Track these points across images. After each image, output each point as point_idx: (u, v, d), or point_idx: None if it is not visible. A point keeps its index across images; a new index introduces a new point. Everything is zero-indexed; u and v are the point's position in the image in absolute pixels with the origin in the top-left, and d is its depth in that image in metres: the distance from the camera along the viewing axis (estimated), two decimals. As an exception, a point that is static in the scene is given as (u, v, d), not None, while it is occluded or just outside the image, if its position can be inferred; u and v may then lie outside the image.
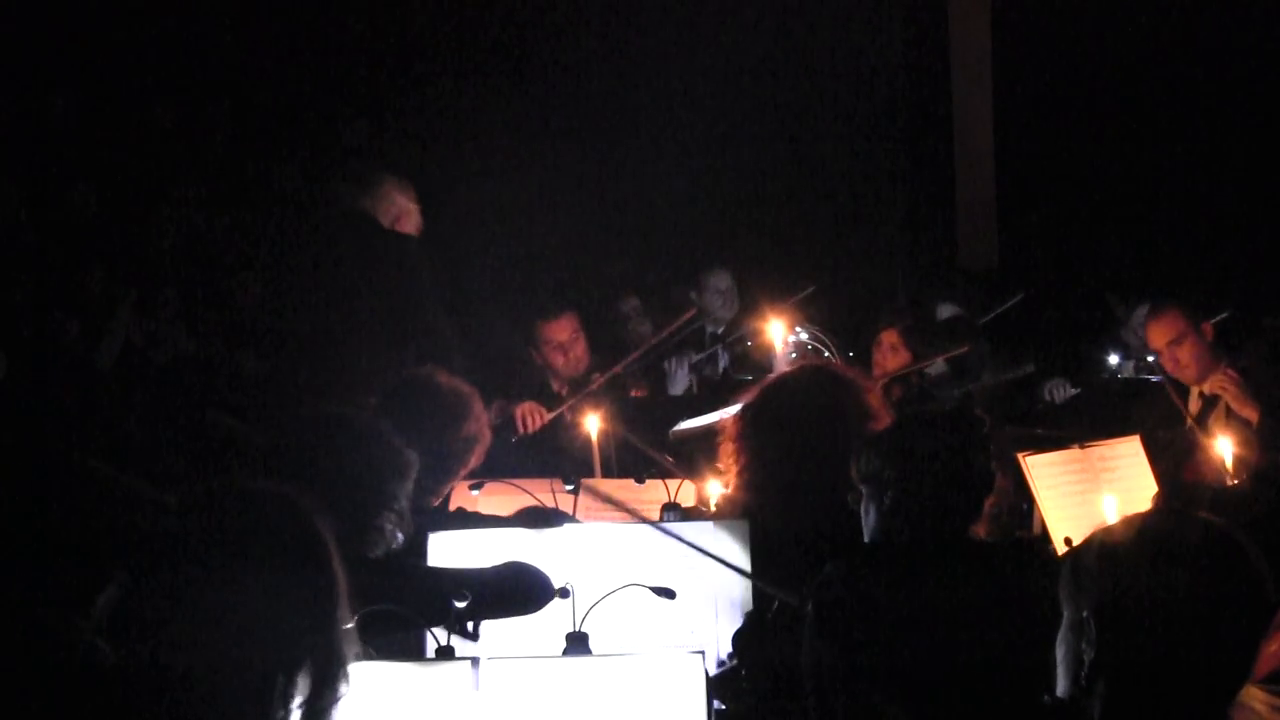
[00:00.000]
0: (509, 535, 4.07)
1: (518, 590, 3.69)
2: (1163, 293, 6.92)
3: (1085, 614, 2.51)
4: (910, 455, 3.73)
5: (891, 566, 3.64)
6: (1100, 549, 2.59)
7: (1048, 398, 7.55)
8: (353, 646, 2.34)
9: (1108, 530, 2.67)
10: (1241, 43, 9.39)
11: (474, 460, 4.77)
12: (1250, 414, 6.29)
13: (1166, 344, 6.56)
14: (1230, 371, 6.42)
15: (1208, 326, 6.66)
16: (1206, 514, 2.67)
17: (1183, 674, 2.45)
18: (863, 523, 3.83)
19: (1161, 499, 5.19)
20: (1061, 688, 2.56)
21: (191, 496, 2.38)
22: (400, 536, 3.91)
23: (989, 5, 10.26)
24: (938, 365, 7.71)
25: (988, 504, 3.87)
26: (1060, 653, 2.59)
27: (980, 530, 3.81)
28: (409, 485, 3.98)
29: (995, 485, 3.88)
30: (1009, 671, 2.87)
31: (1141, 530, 2.60)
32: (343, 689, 2.29)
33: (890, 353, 7.35)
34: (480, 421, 4.78)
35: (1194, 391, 6.68)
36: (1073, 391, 7.49)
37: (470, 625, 3.55)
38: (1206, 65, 9.49)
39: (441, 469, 4.68)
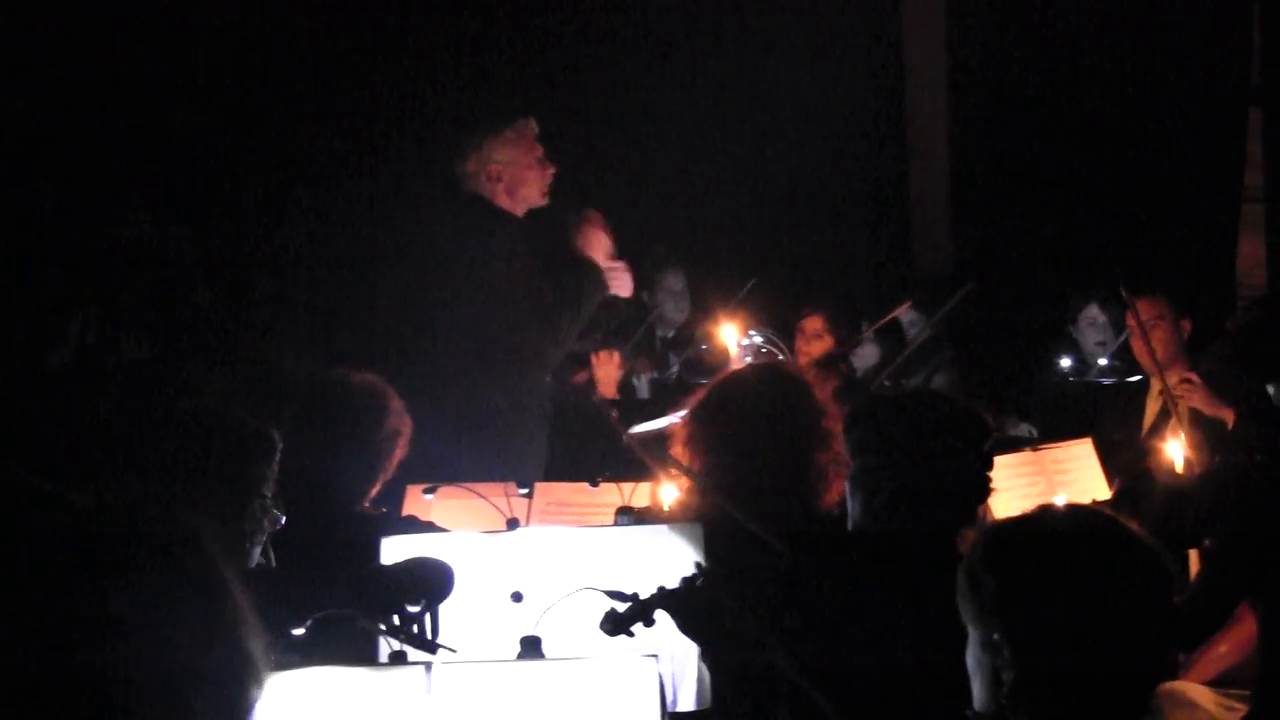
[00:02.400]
0: (459, 540, 4.05)
1: (420, 579, 3.55)
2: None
3: (996, 636, 2.46)
4: (917, 438, 3.70)
5: (873, 563, 3.61)
6: (997, 561, 2.52)
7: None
8: (264, 656, 2.32)
9: (997, 537, 2.58)
10: (1202, 44, 9.42)
11: (399, 453, 4.68)
12: (1226, 414, 6.27)
13: (1142, 320, 6.52)
14: (1193, 375, 6.40)
15: (1187, 324, 6.69)
16: (1111, 511, 2.62)
17: (1104, 680, 2.42)
18: (848, 503, 3.80)
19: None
20: (978, 701, 2.52)
21: (109, 507, 2.35)
22: (271, 524, 3.88)
23: (942, 13, 10.30)
24: (868, 355, 7.77)
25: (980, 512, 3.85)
26: (971, 665, 2.54)
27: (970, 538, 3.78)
28: (274, 467, 3.95)
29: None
30: (944, 685, 2.83)
31: (1037, 535, 2.54)
32: (255, 695, 2.28)
33: (814, 340, 7.38)
34: (399, 414, 4.68)
35: (1153, 392, 6.70)
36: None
37: (422, 631, 3.50)
38: (1163, 66, 9.52)
39: (368, 469, 4.62)
